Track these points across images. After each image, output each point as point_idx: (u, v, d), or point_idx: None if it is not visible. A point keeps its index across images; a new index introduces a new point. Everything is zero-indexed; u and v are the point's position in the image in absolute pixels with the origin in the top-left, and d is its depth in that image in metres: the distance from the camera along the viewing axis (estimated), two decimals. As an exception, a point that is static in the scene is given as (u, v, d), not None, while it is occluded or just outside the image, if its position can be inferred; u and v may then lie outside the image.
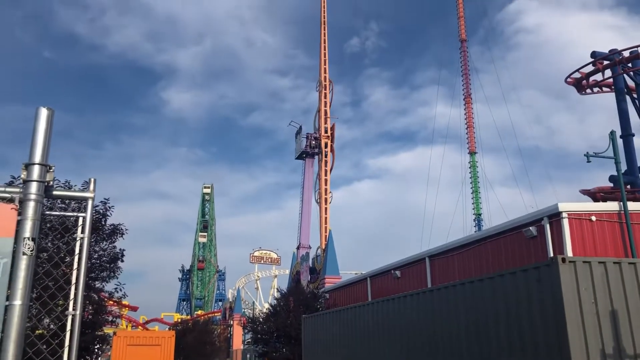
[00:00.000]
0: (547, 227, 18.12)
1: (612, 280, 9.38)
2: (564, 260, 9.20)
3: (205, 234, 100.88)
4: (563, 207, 17.86)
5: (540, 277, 9.59)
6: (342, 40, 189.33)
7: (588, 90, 32.89)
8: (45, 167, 3.71)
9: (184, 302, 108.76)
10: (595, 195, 27.68)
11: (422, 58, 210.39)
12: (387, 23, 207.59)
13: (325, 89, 56.85)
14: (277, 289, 55.42)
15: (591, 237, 17.90)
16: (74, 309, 3.81)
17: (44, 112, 3.79)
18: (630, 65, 29.56)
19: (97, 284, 15.63)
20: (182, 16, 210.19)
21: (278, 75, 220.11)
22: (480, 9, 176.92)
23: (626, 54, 29.71)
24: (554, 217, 18.01)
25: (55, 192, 3.90)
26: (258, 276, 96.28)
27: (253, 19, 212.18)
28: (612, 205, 19.29)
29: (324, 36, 58.90)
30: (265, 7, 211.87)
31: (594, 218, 18.15)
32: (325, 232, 50.27)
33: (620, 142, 26.66)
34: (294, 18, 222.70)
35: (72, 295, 3.84)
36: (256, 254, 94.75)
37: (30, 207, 3.60)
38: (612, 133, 20.53)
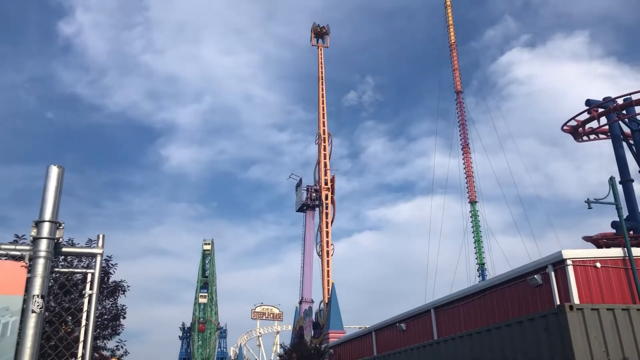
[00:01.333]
0: (552, 274, 17.98)
1: (621, 327, 9.26)
2: (571, 307, 9.12)
3: (206, 293, 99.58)
4: (567, 254, 17.78)
5: (549, 326, 9.47)
6: (340, 94, 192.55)
7: (585, 138, 33.27)
8: (55, 224, 3.75)
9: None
10: (598, 241, 27.59)
11: (418, 110, 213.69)
12: (382, 76, 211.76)
13: (324, 142, 57.48)
14: (280, 345, 54.33)
15: (597, 284, 17.74)
16: (81, 367, 3.77)
17: (54, 170, 3.87)
18: (624, 112, 30.02)
19: (99, 342, 15.38)
20: (182, 75, 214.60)
21: (277, 129, 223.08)
22: (472, 61, 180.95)
23: (620, 101, 30.24)
24: (559, 264, 17.90)
25: (64, 249, 3.93)
26: (260, 332, 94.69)
27: (251, 76, 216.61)
28: (616, 252, 19.21)
29: (322, 90, 60.03)
30: (262, 64, 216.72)
31: (598, 264, 18.03)
32: (328, 285, 49.71)
33: (620, 188, 26.79)
34: (291, 74, 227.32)
35: (79, 353, 3.81)
36: (258, 309, 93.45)
37: (40, 264, 3.62)
38: (612, 179, 20.65)
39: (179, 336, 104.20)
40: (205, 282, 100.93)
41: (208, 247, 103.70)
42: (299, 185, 58.67)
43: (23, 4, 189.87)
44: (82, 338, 3.83)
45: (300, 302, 53.87)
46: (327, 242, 53.35)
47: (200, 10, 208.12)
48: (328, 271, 51.83)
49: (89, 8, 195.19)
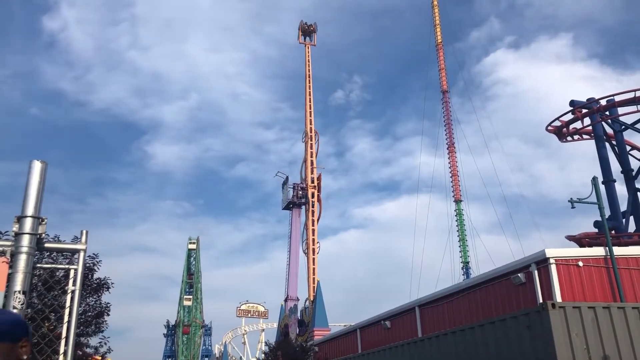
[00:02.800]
0: (535, 273, 18.16)
1: (602, 325, 9.39)
2: (553, 305, 9.22)
3: (191, 296, 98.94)
4: (550, 253, 17.96)
5: (531, 323, 9.57)
6: (327, 93, 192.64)
7: (569, 138, 33.61)
8: (37, 219, 3.72)
9: (169, 359, 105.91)
10: (581, 240, 27.91)
11: (404, 109, 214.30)
12: (370, 76, 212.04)
13: (311, 140, 57.48)
14: (265, 343, 54.28)
15: (579, 283, 17.95)
16: (64, 364, 3.75)
17: (37, 165, 3.83)
18: (607, 113, 30.38)
19: (82, 339, 15.27)
20: (168, 72, 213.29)
21: (263, 127, 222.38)
22: (458, 62, 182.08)
23: (603, 102, 30.59)
24: (542, 263, 18.08)
25: (47, 245, 3.90)
26: (245, 330, 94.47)
27: (238, 74, 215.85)
28: (598, 251, 19.45)
29: (309, 88, 60.00)
30: (249, 62, 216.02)
31: (581, 263, 18.24)
32: (314, 283, 49.77)
33: (602, 188, 27.11)
34: (278, 73, 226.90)
35: (61, 349, 3.78)
36: (243, 307, 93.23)
37: (22, 259, 3.59)
38: (595, 179, 20.89)
39: (164, 334, 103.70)
40: (191, 284, 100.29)
41: (193, 246, 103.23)
42: (285, 183, 58.65)
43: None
44: (64, 335, 3.80)
45: (286, 300, 53.87)
46: (313, 240, 53.38)
47: (187, 7, 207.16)
48: (314, 269, 51.88)
49: (74, 3, 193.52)
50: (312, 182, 55.94)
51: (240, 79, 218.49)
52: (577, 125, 32.45)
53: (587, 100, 31.24)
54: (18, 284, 3.53)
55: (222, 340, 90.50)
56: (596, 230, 27.29)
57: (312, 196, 55.34)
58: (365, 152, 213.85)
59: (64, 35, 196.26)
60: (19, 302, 3.49)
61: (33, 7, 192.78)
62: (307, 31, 63.37)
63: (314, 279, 50.59)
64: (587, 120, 31.57)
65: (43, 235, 3.78)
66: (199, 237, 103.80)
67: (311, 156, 57.01)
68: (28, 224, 3.67)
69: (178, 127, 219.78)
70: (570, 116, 32.08)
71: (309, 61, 61.35)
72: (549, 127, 33.48)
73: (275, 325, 61.77)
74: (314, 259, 52.50)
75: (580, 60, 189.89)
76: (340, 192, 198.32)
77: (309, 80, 60.44)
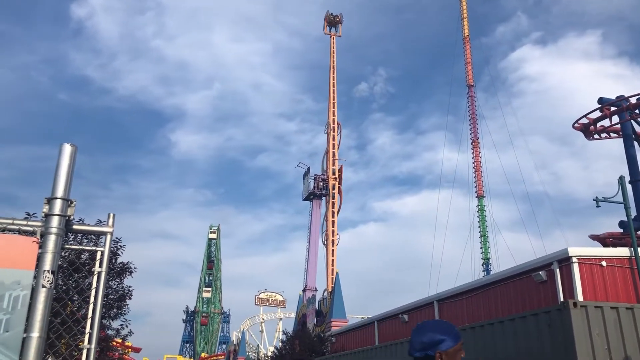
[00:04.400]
0: (557, 271, 17.96)
1: (625, 326, 9.27)
2: (575, 304, 9.12)
3: (210, 288, 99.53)
4: (573, 251, 17.74)
5: (552, 322, 9.48)
6: (349, 85, 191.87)
7: (596, 136, 33.06)
8: (67, 201, 3.80)
9: (188, 344, 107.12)
10: (605, 240, 27.49)
11: (427, 104, 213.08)
12: (394, 69, 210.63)
13: (333, 132, 57.42)
14: (282, 331, 54.67)
15: (602, 283, 17.71)
16: (89, 343, 3.83)
17: (67, 148, 3.90)
18: (637, 111, 29.78)
19: (104, 322, 15.56)
20: (192, 61, 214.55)
21: (285, 119, 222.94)
22: (483, 57, 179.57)
23: (633, 100, 29.98)
24: (564, 261, 17.87)
25: (75, 227, 3.98)
26: (263, 319, 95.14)
27: (261, 64, 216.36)
28: (623, 251, 19.14)
29: (333, 80, 59.86)
30: (272, 53, 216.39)
31: (604, 263, 17.99)
32: (332, 274, 49.89)
33: (629, 187, 26.64)
34: (301, 64, 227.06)
35: (87, 329, 3.86)
36: (261, 296, 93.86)
37: (52, 240, 3.67)
38: (621, 178, 20.54)
39: (183, 319, 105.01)
40: (210, 273, 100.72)
41: (214, 235, 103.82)
42: (306, 174, 58.73)
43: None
44: (90, 315, 3.88)
45: (304, 290, 54.11)
46: (333, 231, 53.47)
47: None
48: (333, 260, 52.01)
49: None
50: (333, 173, 55.95)
51: (263, 70, 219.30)
52: (605, 123, 31.88)
53: (616, 97, 30.63)
54: (47, 263, 3.62)
55: (240, 328, 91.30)
56: (621, 230, 26.83)
57: (333, 188, 55.37)
58: (386, 146, 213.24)
59: (91, 23, 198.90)
60: (48, 281, 3.58)
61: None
62: (332, 22, 63.13)
63: (332, 270, 50.71)
64: (615, 119, 31.00)
65: (72, 217, 3.86)
66: (219, 225, 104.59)
67: (333, 148, 56.98)
68: (58, 205, 3.75)
69: (201, 116, 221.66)
70: (598, 114, 31.52)
71: (333, 52, 61.18)
72: (576, 125, 32.94)
73: (293, 314, 62.14)
74: (333, 250, 52.60)
75: (609, 58, 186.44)
76: (360, 185, 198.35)
77: (334, 71, 60.30)
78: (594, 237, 28.29)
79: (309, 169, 58.95)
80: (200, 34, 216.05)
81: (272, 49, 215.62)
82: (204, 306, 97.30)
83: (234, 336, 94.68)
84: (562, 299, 16.86)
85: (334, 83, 59.81)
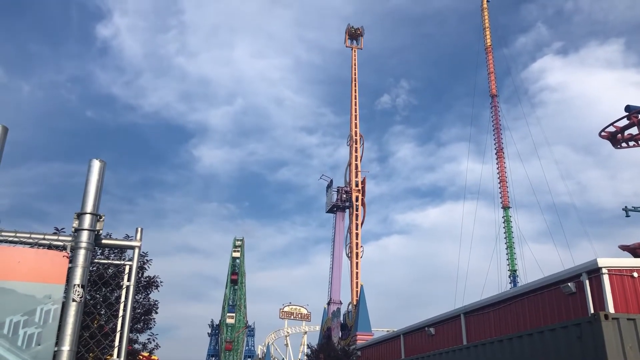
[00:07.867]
0: (587, 283, 17.59)
1: (658, 339, 9.03)
2: (606, 316, 8.93)
3: (234, 314, 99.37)
4: (602, 262, 17.36)
5: (582, 334, 9.29)
6: (370, 98, 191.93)
7: (623, 144, 32.50)
8: (96, 216, 3.86)
9: (213, 358, 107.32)
10: (636, 251, 26.88)
11: (448, 115, 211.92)
12: (416, 81, 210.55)
13: (356, 144, 57.42)
14: (307, 345, 54.42)
15: (634, 294, 17.27)
16: (118, 356, 3.87)
17: (96, 164, 3.98)
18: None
19: (131, 335, 15.69)
20: (214, 77, 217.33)
21: (306, 132, 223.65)
22: (504, 68, 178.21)
23: (661, 107, 29.47)
24: (594, 273, 17.49)
25: (104, 241, 4.04)
26: (288, 332, 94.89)
27: (282, 79, 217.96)
28: (654, 261, 18.67)
29: (355, 92, 59.97)
30: (293, 68, 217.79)
31: (636, 274, 17.56)
32: (357, 287, 49.61)
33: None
34: (322, 78, 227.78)
35: (116, 342, 3.91)
36: (286, 309, 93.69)
37: (81, 254, 3.73)
38: (651, 187, 20.15)
39: (208, 333, 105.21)
40: (235, 291, 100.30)
41: (238, 252, 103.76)
42: (329, 186, 58.74)
43: (64, 7, 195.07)
44: (119, 328, 3.92)
45: (329, 303, 53.86)
46: (357, 243, 53.25)
47: (233, 14, 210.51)
48: (357, 273, 51.74)
49: (126, 12, 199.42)
50: (357, 185, 55.86)
51: (284, 84, 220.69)
52: (633, 131, 31.35)
53: (644, 105, 30.14)
54: (77, 277, 3.68)
55: (264, 341, 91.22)
56: (652, 240, 26.25)
57: (356, 200, 55.24)
58: (408, 158, 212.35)
59: (116, 42, 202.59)
60: (78, 295, 3.63)
61: (88, 15, 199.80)
62: (354, 35, 63.40)
63: (357, 282, 50.43)
64: (643, 126, 30.48)
65: (100, 231, 3.92)
66: (243, 238, 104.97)
67: (356, 160, 56.95)
68: (87, 220, 3.82)
69: (223, 131, 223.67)
70: (625, 122, 31.02)
71: (355, 64, 61.36)
72: (603, 133, 32.45)
73: (318, 328, 61.91)
74: (357, 262, 52.36)
75: (633, 67, 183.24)
76: (382, 197, 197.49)
77: (355, 83, 60.45)
78: (624, 248, 27.69)
79: (331, 181, 59.02)
80: (221, 50, 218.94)
81: (293, 63, 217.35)
82: (228, 331, 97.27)
83: (259, 350, 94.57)
84: (592, 311, 16.50)
85: (355, 95, 59.93)
